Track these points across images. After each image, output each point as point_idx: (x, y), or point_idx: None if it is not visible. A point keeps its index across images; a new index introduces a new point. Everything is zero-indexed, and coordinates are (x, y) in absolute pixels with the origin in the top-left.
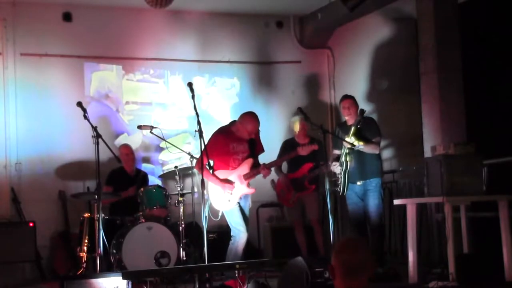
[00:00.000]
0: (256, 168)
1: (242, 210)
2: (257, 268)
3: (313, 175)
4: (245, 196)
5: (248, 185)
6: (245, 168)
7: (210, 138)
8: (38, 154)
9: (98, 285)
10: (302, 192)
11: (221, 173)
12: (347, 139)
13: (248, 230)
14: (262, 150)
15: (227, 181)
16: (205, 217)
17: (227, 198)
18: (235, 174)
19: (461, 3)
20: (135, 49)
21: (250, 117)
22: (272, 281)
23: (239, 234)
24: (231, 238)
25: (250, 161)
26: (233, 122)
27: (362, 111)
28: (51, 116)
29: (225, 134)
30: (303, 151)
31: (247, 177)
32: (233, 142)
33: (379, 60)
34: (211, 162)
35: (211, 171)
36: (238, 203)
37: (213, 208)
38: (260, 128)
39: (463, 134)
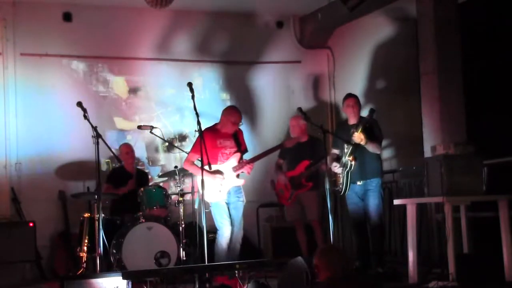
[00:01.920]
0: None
1: (228, 208)
2: (257, 268)
3: (310, 172)
4: (237, 191)
5: (238, 176)
6: (233, 161)
7: (197, 138)
8: (38, 154)
9: (98, 285)
10: (300, 190)
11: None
12: (355, 134)
13: (240, 227)
14: (246, 150)
15: (217, 172)
16: (205, 217)
17: (218, 189)
18: (225, 167)
19: (461, 3)
20: (135, 49)
21: (232, 109)
22: (272, 281)
23: (222, 228)
24: (216, 235)
25: (238, 155)
26: (217, 123)
27: (372, 110)
28: (51, 116)
29: (211, 131)
30: (289, 143)
31: (236, 169)
32: (219, 138)
33: (379, 60)
34: (199, 161)
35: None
36: (227, 204)
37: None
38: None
39: (463, 134)
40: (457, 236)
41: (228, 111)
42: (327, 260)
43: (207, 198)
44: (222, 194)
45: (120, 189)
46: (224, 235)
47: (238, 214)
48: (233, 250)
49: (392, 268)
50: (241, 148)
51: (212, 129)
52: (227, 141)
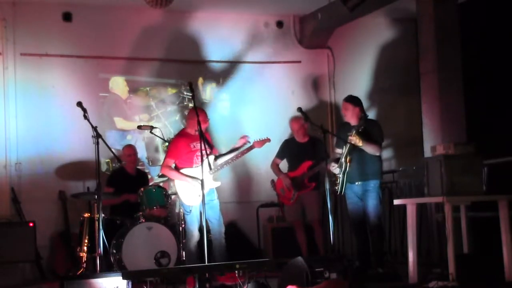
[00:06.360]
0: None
1: (200, 214)
2: (257, 268)
3: (313, 173)
4: (210, 193)
5: (214, 179)
6: (209, 162)
7: (171, 144)
8: (38, 154)
9: (98, 285)
10: (302, 191)
11: (186, 171)
12: (351, 136)
13: (220, 224)
14: (216, 152)
15: (193, 177)
16: (205, 216)
17: (197, 193)
18: (200, 170)
19: (461, 3)
20: (135, 49)
21: (194, 110)
22: (272, 281)
23: (191, 232)
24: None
25: (212, 158)
26: (185, 127)
27: (364, 116)
28: (51, 116)
29: (183, 136)
30: (258, 144)
31: (211, 171)
32: (192, 141)
33: (379, 60)
34: (173, 164)
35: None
36: (199, 209)
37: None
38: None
39: (463, 134)
40: (457, 236)
41: (192, 113)
42: None
43: (186, 202)
44: (201, 198)
45: (124, 194)
46: (192, 240)
47: (215, 213)
48: (220, 247)
49: (392, 268)
50: (212, 150)
51: (183, 134)
52: (199, 144)
